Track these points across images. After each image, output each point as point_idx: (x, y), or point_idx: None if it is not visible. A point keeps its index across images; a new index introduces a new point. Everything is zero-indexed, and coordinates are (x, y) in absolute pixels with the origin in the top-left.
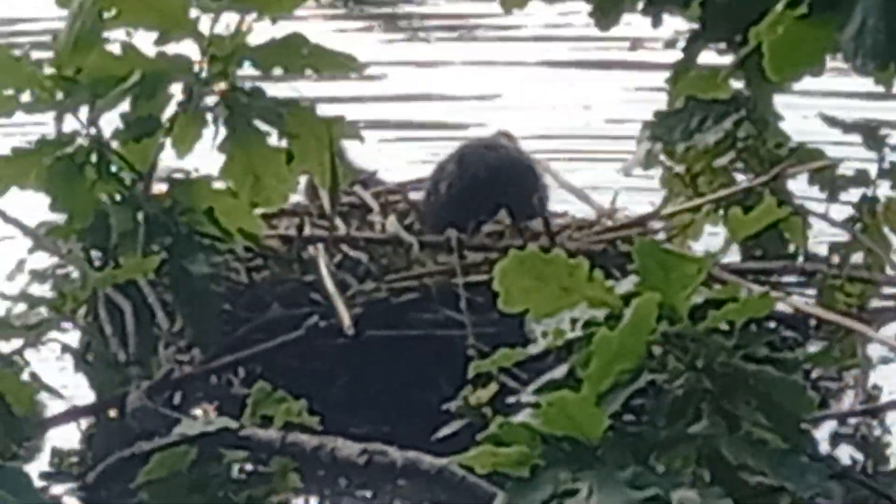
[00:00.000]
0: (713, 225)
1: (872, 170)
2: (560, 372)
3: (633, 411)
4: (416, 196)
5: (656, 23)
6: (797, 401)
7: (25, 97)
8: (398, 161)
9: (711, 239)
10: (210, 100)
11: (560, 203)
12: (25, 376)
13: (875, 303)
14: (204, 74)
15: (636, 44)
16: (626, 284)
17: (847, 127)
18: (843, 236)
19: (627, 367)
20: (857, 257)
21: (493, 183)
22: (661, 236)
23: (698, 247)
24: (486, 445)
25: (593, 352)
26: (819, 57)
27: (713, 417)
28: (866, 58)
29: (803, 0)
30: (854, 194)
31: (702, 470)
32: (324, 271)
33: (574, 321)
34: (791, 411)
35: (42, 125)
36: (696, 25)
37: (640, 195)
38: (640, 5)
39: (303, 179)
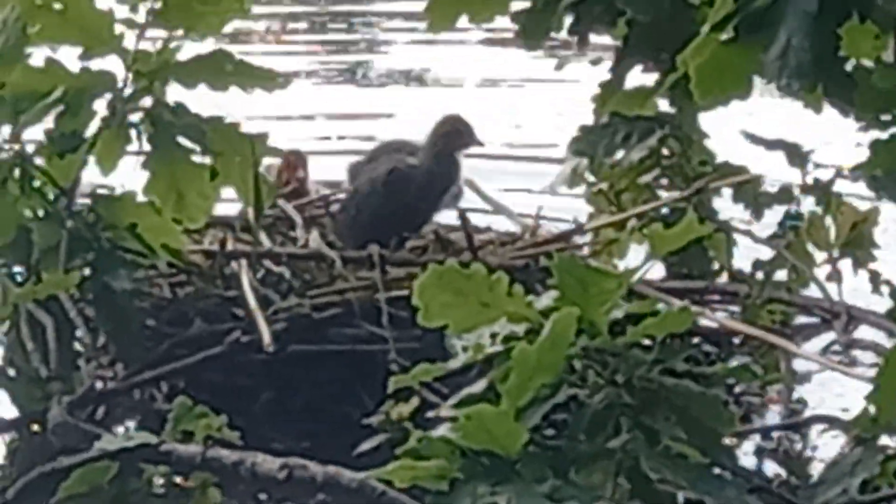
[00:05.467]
0: (639, 244)
1: (796, 186)
2: (480, 386)
3: (552, 425)
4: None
5: (582, 42)
6: (717, 415)
7: None
8: None
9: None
10: (134, 116)
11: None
12: None
13: (799, 318)
14: (128, 91)
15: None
16: (546, 299)
17: (770, 144)
18: (767, 253)
19: (547, 381)
20: (782, 274)
21: (419, 207)
22: (585, 252)
23: (625, 265)
24: (405, 459)
25: (512, 366)
26: (745, 80)
27: (633, 432)
28: (791, 78)
29: (728, 23)
30: (778, 211)
31: (621, 484)
32: (246, 287)
33: (494, 336)
34: (711, 426)
35: None
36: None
37: (566, 212)
38: (567, 25)
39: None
